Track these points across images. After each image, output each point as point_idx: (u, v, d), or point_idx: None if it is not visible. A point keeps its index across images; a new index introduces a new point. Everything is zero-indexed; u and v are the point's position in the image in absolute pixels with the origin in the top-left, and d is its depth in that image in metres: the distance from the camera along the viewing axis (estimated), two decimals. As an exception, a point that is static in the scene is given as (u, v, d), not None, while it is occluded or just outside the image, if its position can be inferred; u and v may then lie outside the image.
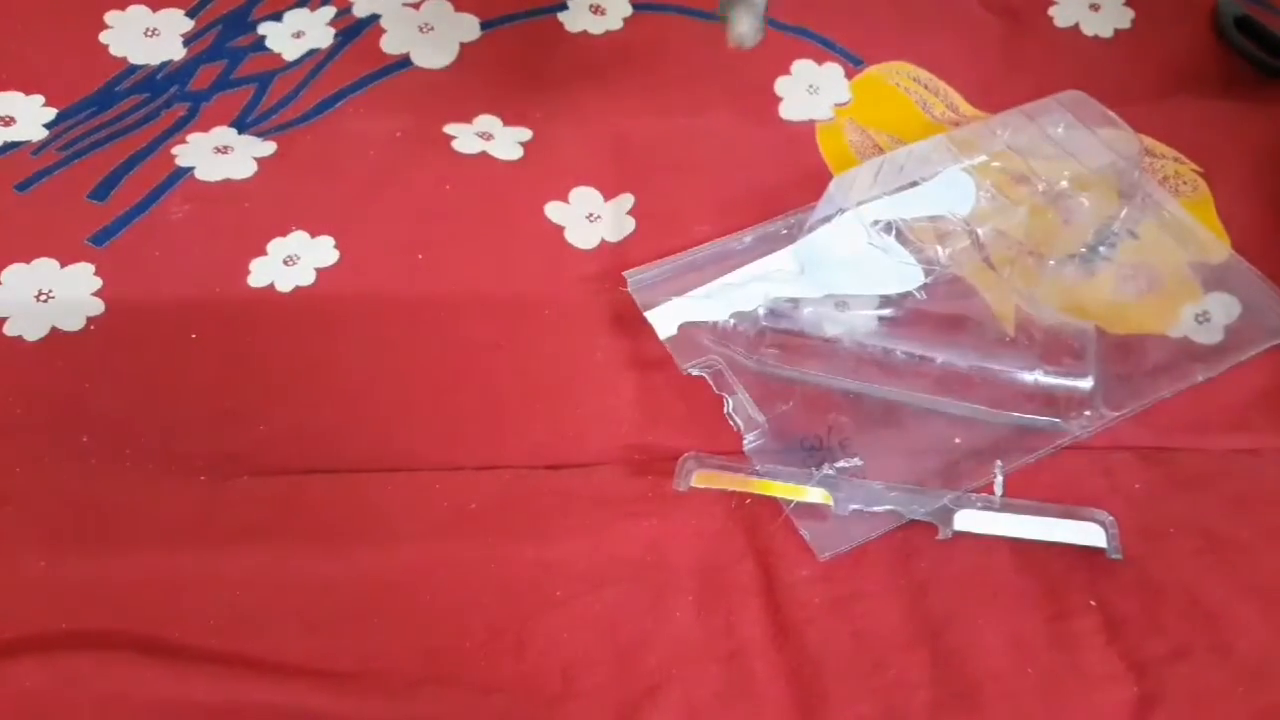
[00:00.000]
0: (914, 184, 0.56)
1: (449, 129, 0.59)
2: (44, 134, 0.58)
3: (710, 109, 0.60)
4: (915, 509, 0.45)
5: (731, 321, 0.51)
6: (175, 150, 0.57)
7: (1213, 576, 0.44)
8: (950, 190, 0.55)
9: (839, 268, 0.51)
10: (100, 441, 0.47)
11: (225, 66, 0.61)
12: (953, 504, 0.45)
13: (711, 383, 0.48)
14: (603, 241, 0.55)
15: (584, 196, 0.56)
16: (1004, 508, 0.45)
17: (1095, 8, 0.66)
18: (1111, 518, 0.45)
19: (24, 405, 0.48)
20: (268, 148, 0.57)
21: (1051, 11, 0.66)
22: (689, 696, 0.41)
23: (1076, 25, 0.65)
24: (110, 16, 0.63)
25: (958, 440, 0.48)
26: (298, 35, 0.63)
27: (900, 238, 0.54)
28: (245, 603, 0.43)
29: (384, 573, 0.44)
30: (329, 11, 0.64)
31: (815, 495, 0.45)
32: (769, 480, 0.46)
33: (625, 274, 0.52)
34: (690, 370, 0.49)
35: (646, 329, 0.51)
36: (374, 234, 0.54)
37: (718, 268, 0.53)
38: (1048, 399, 0.48)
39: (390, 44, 0.63)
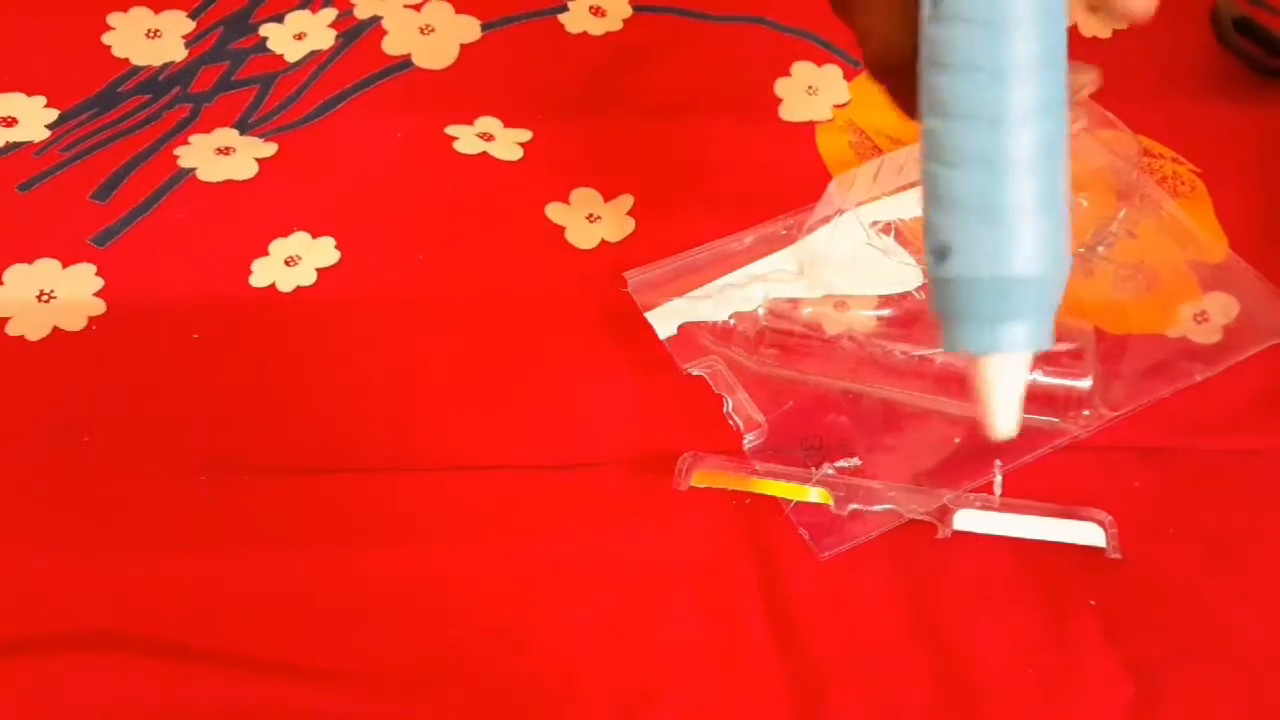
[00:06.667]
0: (914, 184, 0.56)
1: (450, 130, 0.59)
2: (46, 134, 0.58)
3: (710, 109, 0.60)
4: (914, 508, 0.45)
5: (731, 321, 0.51)
6: (177, 151, 0.57)
7: (1212, 576, 0.44)
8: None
9: (838, 268, 0.52)
10: (101, 441, 0.47)
11: (227, 68, 0.61)
12: (952, 503, 0.45)
13: (711, 383, 0.48)
14: (603, 241, 0.55)
15: (584, 196, 0.56)
16: (1003, 507, 0.45)
17: (1093, 9, 0.65)
18: (1111, 518, 0.45)
19: (25, 405, 0.48)
20: (269, 149, 0.57)
21: (1051, 12, 0.66)
22: (689, 696, 0.41)
23: (1074, 26, 0.65)
24: (112, 18, 0.63)
25: (957, 440, 0.48)
26: (299, 37, 0.63)
27: (899, 238, 0.54)
28: (245, 603, 0.43)
29: (384, 573, 0.44)
30: (330, 13, 0.64)
31: (815, 495, 0.45)
32: (769, 480, 0.46)
33: (625, 274, 0.52)
34: (690, 370, 0.49)
35: (646, 329, 0.51)
36: (375, 235, 0.55)
37: (718, 268, 0.53)
38: (1046, 398, 0.48)
39: (391, 45, 0.63)
